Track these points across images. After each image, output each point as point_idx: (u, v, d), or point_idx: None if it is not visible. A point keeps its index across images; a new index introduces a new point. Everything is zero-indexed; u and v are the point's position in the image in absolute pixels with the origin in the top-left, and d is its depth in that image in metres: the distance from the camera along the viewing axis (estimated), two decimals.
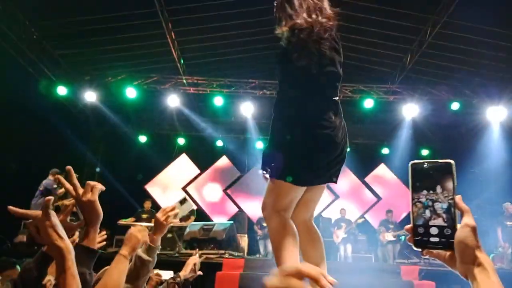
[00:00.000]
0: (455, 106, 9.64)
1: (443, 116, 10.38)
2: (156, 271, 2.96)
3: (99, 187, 1.41)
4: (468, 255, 0.84)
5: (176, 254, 6.78)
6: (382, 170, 12.86)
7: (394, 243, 9.16)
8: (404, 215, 11.38)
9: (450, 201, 0.87)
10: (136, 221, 8.69)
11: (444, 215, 0.87)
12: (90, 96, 9.76)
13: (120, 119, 10.98)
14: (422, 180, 0.90)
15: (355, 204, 12.32)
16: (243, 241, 8.91)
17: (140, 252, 1.84)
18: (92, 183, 1.40)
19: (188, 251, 6.79)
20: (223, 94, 10.02)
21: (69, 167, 1.39)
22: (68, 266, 1.17)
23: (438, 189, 0.88)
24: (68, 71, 9.50)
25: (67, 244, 1.19)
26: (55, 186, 7.56)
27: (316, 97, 2.05)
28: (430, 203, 0.88)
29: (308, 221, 2.27)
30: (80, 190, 1.39)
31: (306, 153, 2.02)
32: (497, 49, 7.88)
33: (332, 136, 2.02)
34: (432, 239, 0.87)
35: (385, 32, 8.19)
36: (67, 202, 1.56)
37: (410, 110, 9.75)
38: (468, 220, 0.86)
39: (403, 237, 9.22)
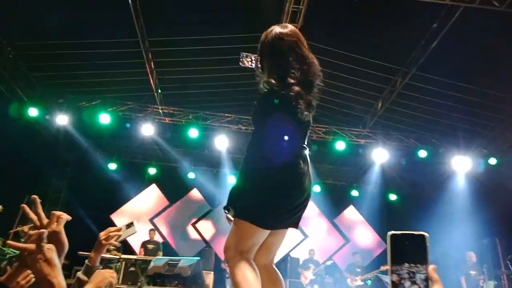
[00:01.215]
0: (422, 153, 9.98)
1: (411, 162, 10.72)
2: None
3: (65, 217, 1.37)
4: None
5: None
6: (351, 212, 13.00)
7: (360, 287, 9.12)
8: (371, 258, 11.44)
9: (424, 272, 0.91)
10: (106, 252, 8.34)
11: (418, 284, 0.91)
12: (62, 120, 9.56)
13: (91, 144, 10.78)
14: (400, 250, 0.95)
15: (324, 245, 12.30)
16: (209, 278, 8.67)
17: (79, 273, 1.80)
18: (57, 213, 1.36)
19: (151, 287, 6.55)
20: (198, 126, 10.04)
21: (34, 196, 1.35)
22: None
23: (414, 260, 0.93)
24: (41, 93, 9.34)
25: (59, 281, 1.15)
26: None
27: (291, 143, 2.12)
28: (408, 274, 0.92)
29: (269, 265, 2.26)
30: (45, 220, 1.35)
31: (276, 197, 2.05)
32: (463, 102, 8.31)
33: (301, 182, 2.08)
34: None
35: (359, 80, 8.53)
36: (26, 228, 1.51)
37: (380, 155, 10.01)
38: None
39: (369, 282, 9.21)
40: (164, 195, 12.49)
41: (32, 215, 1.35)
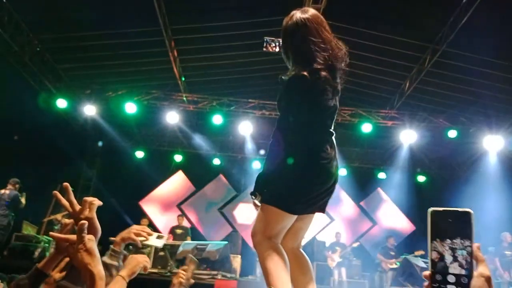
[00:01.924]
0: (452, 134, 9.70)
1: (440, 143, 10.44)
2: None
3: (97, 203, 1.38)
4: None
5: (168, 273, 6.66)
6: (378, 194, 12.84)
7: (394, 270, 9.04)
8: (399, 240, 11.30)
9: (468, 250, 0.88)
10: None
11: (462, 264, 0.87)
12: (90, 110, 9.77)
13: (118, 133, 11.00)
14: (441, 227, 0.92)
15: (350, 228, 12.24)
16: (236, 261, 8.78)
17: (104, 258, 1.84)
18: (89, 199, 1.37)
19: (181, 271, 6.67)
20: (222, 112, 10.06)
21: (66, 183, 1.37)
22: None
23: (457, 237, 0.89)
24: (68, 84, 9.55)
25: (99, 270, 1.18)
26: (19, 196, 7.48)
27: (319, 128, 2.10)
28: (449, 251, 0.89)
29: (296, 249, 2.26)
30: (77, 207, 1.37)
31: (303, 183, 2.04)
32: (494, 79, 7.99)
33: (328, 168, 2.07)
34: (449, 286, 0.88)
35: (385, 59, 8.30)
36: (59, 216, 1.55)
37: (408, 136, 9.78)
38: (483, 269, 0.87)
39: (398, 263, 9.12)
40: (190, 181, 12.66)
41: (64, 202, 1.37)
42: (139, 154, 12.05)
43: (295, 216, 2.11)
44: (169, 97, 10.11)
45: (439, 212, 0.92)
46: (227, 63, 9.06)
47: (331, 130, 2.16)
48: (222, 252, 6.96)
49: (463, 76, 8.17)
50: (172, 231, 9.67)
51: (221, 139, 11.93)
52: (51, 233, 1.31)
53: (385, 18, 7.40)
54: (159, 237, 2.13)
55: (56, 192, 1.41)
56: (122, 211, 10.22)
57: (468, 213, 0.90)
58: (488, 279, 0.86)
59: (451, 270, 0.88)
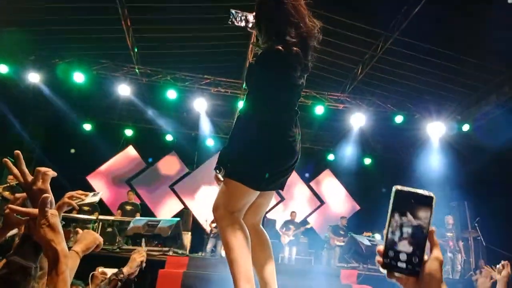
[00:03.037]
0: (398, 119, 10.17)
1: (387, 127, 10.93)
2: (101, 268, 2.85)
3: (51, 173, 1.31)
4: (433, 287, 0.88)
5: (117, 249, 6.55)
6: (326, 175, 13.27)
7: (341, 247, 9.46)
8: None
9: (423, 232, 0.90)
10: (77, 213, 8.31)
11: (416, 244, 0.90)
12: (34, 77, 9.19)
13: (65, 104, 10.44)
14: (402, 206, 0.93)
15: (299, 207, 12.61)
16: (186, 238, 8.81)
17: None
18: (43, 169, 1.30)
19: (131, 246, 6.59)
20: (176, 87, 9.85)
21: (17, 151, 1.27)
22: (61, 270, 1.10)
23: (415, 218, 0.91)
24: (12, 48, 8.88)
25: (63, 247, 1.12)
26: None
27: (287, 106, 2.11)
28: (404, 230, 0.91)
29: (257, 225, 2.29)
30: (29, 177, 1.29)
31: (268, 159, 2.05)
32: (440, 68, 8.41)
33: (293, 146, 2.09)
34: (399, 264, 0.90)
35: (340, 43, 8.45)
36: (18, 195, 1.45)
37: (358, 120, 10.14)
38: (437, 253, 0.90)
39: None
40: (141, 157, 12.39)
41: (16, 171, 1.29)
42: (87, 127, 11.57)
43: (258, 192, 2.13)
44: (121, 69, 9.73)
45: (403, 192, 0.94)
46: (183, 36, 8.80)
47: (296, 109, 2.18)
48: (174, 229, 6.95)
49: (412, 64, 8.52)
50: (121, 207, 9.47)
51: (175, 114, 11.71)
52: (10, 205, 1.22)
53: (343, 3, 7.49)
54: (94, 195, 2.09)
55: (6, 160, 1.32)
56: (68, 186, 9.81)
57: (430, 197, 0.92)
58: (441, 263, 0.89)
59: (403, 248, 0.90)
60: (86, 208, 8.63)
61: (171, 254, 6.58)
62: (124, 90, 9.66)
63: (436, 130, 10.04)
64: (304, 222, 11.16)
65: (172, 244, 6.83)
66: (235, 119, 2.14)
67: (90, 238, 1.68)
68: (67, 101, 10.44)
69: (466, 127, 9.75)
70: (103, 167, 12.08)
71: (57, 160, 10.18)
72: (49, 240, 1.11)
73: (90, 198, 2.10)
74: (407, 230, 0.91)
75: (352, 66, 9.40)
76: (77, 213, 8.27)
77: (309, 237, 10.61)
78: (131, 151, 12.38)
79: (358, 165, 12.49)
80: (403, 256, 0.90)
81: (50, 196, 1.16)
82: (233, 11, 2.14)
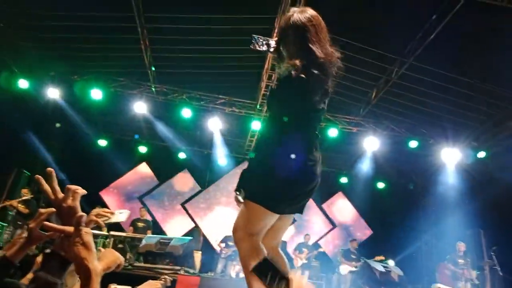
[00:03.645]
0: (413, 144, 10.07)
1: (401, 152, 10.82)
2: (114, 286, 2.85)
3: (81, 192, 1.32)
4: None
5: (129, 267, 6.53)
6: (339, 198, 13.13)
7: (353, 273, 9.26)
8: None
9: None
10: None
11: None
12: (53, 93, 9.42)
13: (81, 119, 10.64)
14: None
15: (310, 230, 12.45)
16: (197, 257, 8.75)
17: None
18: (73, 187, 1.31)
19: (142, 264, 6.57)
20: (192, 106, 9.97)
21: (50, 169, 1.30)
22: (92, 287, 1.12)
23: None
24: (32, 64, 9.15)
25: (96, 266, 1.14)
26: None
27: (308, 130, 2.14)
28: None
29: (275, 248, 2.28)
30: (60, 195, 1.31)
31: (289, 183, 2.05)
32: (455, 94, 8.36)
33: (314, 170, 2.11)
34: None
35: (355, 67, 8.50)
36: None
37: (371, 143, 10.08)
38: None
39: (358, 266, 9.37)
40: (154, 174, 12.47)
41: (47, 188, 1.31)
42: (102, 142, 11.74)
43: (277, 215, 2.12)
44: (138, 86, 9.91)
45: None
46: (199, 56, 8.96)
47: (317, 132, 2.20)
48: (186, 247, 6.93)
49: (426, 89, 8.49)
50: (133, 223, 9.49)
51: (189, 133, 11.81)
52: (46, 223, 1.24)
53: (357, 27, 7.56)
54: (120, 213, 2.09)
55: (38, 177, 1.34)
56: (81, 201, 9.90)
57: None
58: None
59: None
60: None
61: (182, 273, 6.54)
62: (140, 107, 9.81)
63: (451, 156, 9.91)
64: (316, 245, 11.00)
65: (183, 263, 6.79)
66: (257, 142, 2.17)
67: (111, 257, 1.68)
68: (84, 116, 10.65)
69: (482, 154, 9.60)
70: (116, 183, 12.17)
71: (71, 175, 10.33)
72: (82, 258, 1.12)
73: (117, 217, 2.11)
74: None
75: (366, 90, 9.41)
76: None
77: (320, 261, 10.44)
78: (144, 168, 12.48)
79: (371, 189, 12.36)
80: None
81: (85, 215, 1.17)
82: (255, 36, 2.17)
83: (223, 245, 9.65)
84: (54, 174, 1.32)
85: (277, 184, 2.04)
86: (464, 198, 9.58)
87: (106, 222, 2.00)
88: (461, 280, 8.21)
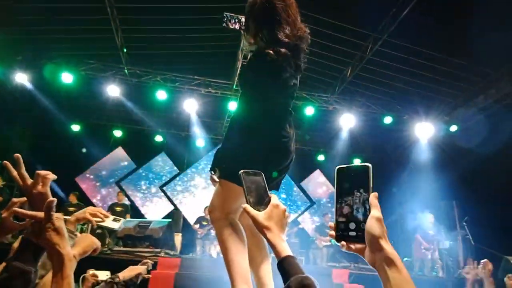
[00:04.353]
0: (387, 120, 10.26)
1: (376, 128, 11.01)
2: (92, 271, 2.82)
3: (51, 177, 1.29)
4: (374, 244, 0.94)
5: (108, 251, 6.49)
6: (317, 175, 13.33)
7: (328, 247, 9.49)
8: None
9: (366, 199, 0.98)
10: (64, 215, 8.19)
11: (361, 212, 0.97)
12: (21, 78, 9.07)
13: (53, 104, 10.30)
14: (345, 182, 1.01)
15: (289, 207, 12.63)
16: (177, 240, 8.77)
17: None
18: (42, 172, 1.28)
19: (122, 248, 6.54)
20: (166, 88, 9.80)
21: (17, 155, 1.27)
22: (66, 274, 1.10)
23: (358, 189, 0.99)
24: None
25: (68, 251, 1.12)
26: None
27: (280, 106, 2.12)
28: (350, 202, 0.99)
29: (252, 226, 2.29)
30: (29, 181, 1.27)
31: (264, 160, 2.04)
32: (428, 70, 8.50)
33: (288, 146, 2.11)
34: (350, 233, 0.98)
35: (329, 44, 8.49)
36: (15, 199, 1.42)
37: (347, 120, 10.21)
38: (374, 212, 0.96)
39: (332, 241, 9.60)
40: (130, 158, 12.30)
41: (15, 174, 1.27)
42: (75, 127, 11.45)
43: None
44: (110, 69, 9.65)
45: (343, 168, 1.03)
46: (173, 37, 8.76)
47: (290, 109, 2.19)
48: (166, 230, 6.91)
49: (400, 65, 8.60)
50: (110, 208, 9.39)
51: (165, 115, 11.64)
52: (16, 209, 1.21)
53: (331, 4, 7.52)
54: (115, 220, 2.06)
55: (6, 162, 1.29)
56: (57, 187, 9.70)
57: (367, 167, 1.00)
58: (378, 220, 0.95)
59: (352, 219, 0.98)
60: (71, 209, 8.52)
61: (162, 255, 6.54)
62: (113, 91, 9.58)
63: (424, 131, 10.16)
64: (296, 222, 11.19)
65: (163, 246, 6.78)
66: (230, 121, 2.14)
67: (87, 242, 1.65)
68: (55, 101, 10.31)
69: (454, 128, 9.88)
70: (92, 168, 11.96)
71: (45, 161, 10.06)
72: (54, 244, 1.11)
73: (110, 223, 2.07)
74: (352, 202, 0.99)
75: (341, 67, 9.45)
76: (65, 215, 8.15)
77: (300, 238, 10.63)
78: (120, 152, 12.28)
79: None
80: (352, 226, 0.98)
81: (55, 200, 1.14)
82: (227, 14, 2.14)
83: (197, 226, 9.72)
84: (21, 160, 1.28)
85: (251, 161, 1.99)
86: (438, 171, 9.88)
87: (99, 224, 1.96)
88: (430, 250, 8.58)
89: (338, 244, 1.00)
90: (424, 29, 7.42)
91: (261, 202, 1.26)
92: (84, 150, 11.13)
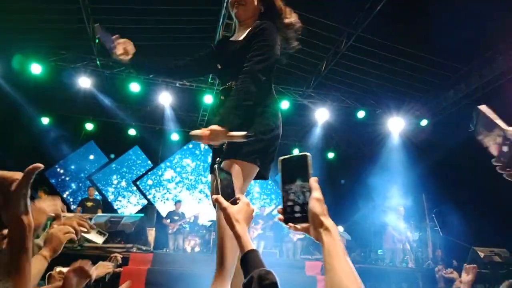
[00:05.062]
0: (360, 114, 10.43)
1: (350, 123, 11.18)
2: (59, 268, 2.73)
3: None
4: (316, 221, 1.06)
5: (78, 247, 6.32)
6: None
7: (302, 240, 9.60)
8: None
9: (307, 184, 1.10)
10: None
11: (304, 196, 1.10)
12: None
13: (21, 96, 9.94)
14: (288, 170, 1.14)
15: (265, 201, 12.69)
16: (151, 235, 8.66)
17: (37, 240, 1.68)
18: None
19: (92, 244, 6.39)
20: (140, 80, 9.62)
21: None
22: (27, 247, 1.00)
23: (300, 176, 1.11)
24: None
25: (30, 221, 1.01)
26: None
27: (272, 92, 2.28)
28: (294, 188, 1.11)
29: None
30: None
31: (270, 146, 2.15)
32: (400, 65, 8.68)
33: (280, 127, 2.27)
34: (296, 215, 1.10)
35: (305, 38, 8.52)
36: None
37: (322, 115, 10.32)
38: (315, 194, 1.08)
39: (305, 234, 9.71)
40: (102, 152, 12.04)
41: None
42: (45, 120, 11.10)
43: (254, 175, 2.15)
44: (81, 60, 9.38)
45: (286, 159, 1.15)
46: (147, 27, 8.59)
47: None
48: (138, 224, 6.80)
49: (374, 60, 8.73)
50: (81, 203, 9.18)
51: (138, 108, 11.44)
52: None
53: None
54: (99, 233, 2.01)
55: None
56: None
57: (305, 156, 1.13)
58: (319, 200, 1.08)
59: (296, 202, 1.11)
60: None
61: (134, 250, 6.44)
62: (84, 82, 9.34)
63: (396, 125, 10.39)
64: (271, 215, 11.25)
65: (135, 241, 6.67)
66: (231, 102, 2.05)
67: (56, 241, 1.57)
68: (24, 93, 9.95)
69: (424, 122, 10.14)
70: (63, 162, 11.65)
71: (14, 155, 9.73)
72: (19, 212, 0.99)
73: (95, 235, 2.00)
74: (295, 187, 1.11)
75: (316, 61, 9.52)
76: None
77: (274, 231, 10.70)
78: (91, 146, 12.00)
79: (322, 159, 12.72)
80: (297, 208, 1.10)
81: (40, 165, 1.06)
82: None
83: (168, 221, 9.66)
84: None
85: (266, 145, 2.11)
86: (408, 164, 10.13)
87: (83, 234, 1.90)
88: (401, 242, 8.80)
89: (286, 225, 1.12)
90: (397, 25, 7.55)
91: (230, 197, 1.35)
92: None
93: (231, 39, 2.36)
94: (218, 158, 2.10)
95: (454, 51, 7.57)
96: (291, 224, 1.12)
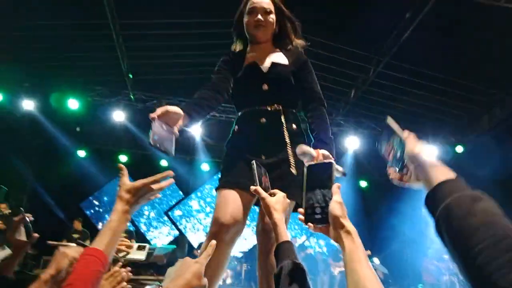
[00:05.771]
0: None
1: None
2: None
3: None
4: (336, 223, 1.10)
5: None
6: None
7: (343, 273, 9.28)
8: None
9: (330, 189, 1.17)
10: (67, 242, 8.11)
11: (325, 200, 1.16)
12: (28, 105, 9.18)
13: (59, 130, 10.38)
14: (312, 176, 1.22)
15: (295, 232, 12.45)
16: None
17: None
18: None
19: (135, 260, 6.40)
20: None
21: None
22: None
23: (323, 182, 1.19)
24: (5, 75, 8.89)
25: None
26: None
27: None
28: (317, 192, 1.18)
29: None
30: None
31: None
32: (432, 91, 8.51)
33: None
34: (316, 216, 1.16)
35: (333, 67, 8.56)
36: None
37: (352, 142, 10.17)
38: (336, 197, 1.15)
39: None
40: None
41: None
42: (81, 153, 11.48)
43: None
44: (115, 95, 9.75)
45: (311, 165, 1.24)
46: (177, 62, 8.89)
47: None
48: (170, 256, 6.79)
49: (404, 87, 8.62)
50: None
51: None
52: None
53: (334, 26, 7.61)
54: (139, 248, 1.98)
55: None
56: (61, 213, 9.67)
57: (330, 163, 1.22)
58: (339, 203, 1.13)
59: (317, 204, 1.17)
60: (75, 235, 8.43)
61: None
62: (118, 116, 9.66)
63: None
64: (303, 247, 11.01)
65: None
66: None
67: (58, 259, 1.49)
68: (62, 128, 10.39)
69: (460, 149, 9.80)
70: (97, 193, 11.93)
71: (51, 188, 10.08)
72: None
73: (136, 254, 1.95)
74: (318, 192, 1.18)
75: (345, 89, 9.50)
76: (68, 241, 8.07)
77: (306, 263, 10.42)
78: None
79: (354, 188, 12.45)
80: (318, 210, 1.16)
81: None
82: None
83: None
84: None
85: None
86: None
87: (126, 257, 1.81)
88: (445, 274, 8.32)
89: (306, 225, 1.17)
90: (427, 51, 7.48)
91: (266, 191, 1.45)
92: (78, 129, 10.89)
93: (272, 60, 2.30)
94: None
95: (488, 75, 7.39)
96: (310, 224, 1.16)
